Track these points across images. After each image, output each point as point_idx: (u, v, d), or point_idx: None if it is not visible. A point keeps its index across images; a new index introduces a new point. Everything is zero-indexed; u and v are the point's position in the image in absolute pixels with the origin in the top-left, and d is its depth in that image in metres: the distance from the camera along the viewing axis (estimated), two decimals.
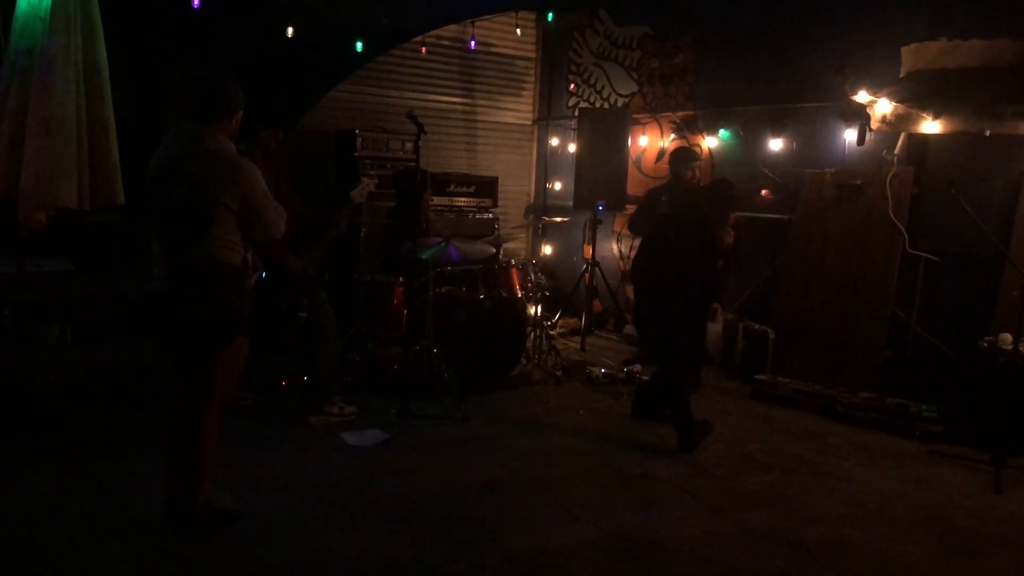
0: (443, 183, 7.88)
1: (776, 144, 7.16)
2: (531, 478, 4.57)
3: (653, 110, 8.26)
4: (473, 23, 8.33)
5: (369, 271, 6.50)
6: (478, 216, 8.03)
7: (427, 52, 8.23)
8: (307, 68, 7.62)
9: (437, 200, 7.71)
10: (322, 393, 5.36)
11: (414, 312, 5.99)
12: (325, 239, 5.09)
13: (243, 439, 4.87)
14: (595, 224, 8.02)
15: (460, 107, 8.81)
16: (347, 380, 5.89)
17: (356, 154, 7.42)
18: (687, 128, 7.96)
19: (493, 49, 8.91)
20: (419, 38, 8.03)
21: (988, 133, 5.30)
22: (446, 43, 8.51)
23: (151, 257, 6.18)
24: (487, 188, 8.19)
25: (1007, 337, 5.27)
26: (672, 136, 8.08)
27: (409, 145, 7.07)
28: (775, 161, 7.18)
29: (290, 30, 7.12)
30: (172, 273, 3.62)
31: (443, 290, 6.26)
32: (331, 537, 3.78)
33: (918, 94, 5.71)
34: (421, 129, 5.42)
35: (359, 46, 7.46)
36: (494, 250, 6.81)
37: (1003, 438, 4.93)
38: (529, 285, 6.78)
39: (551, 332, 7.62)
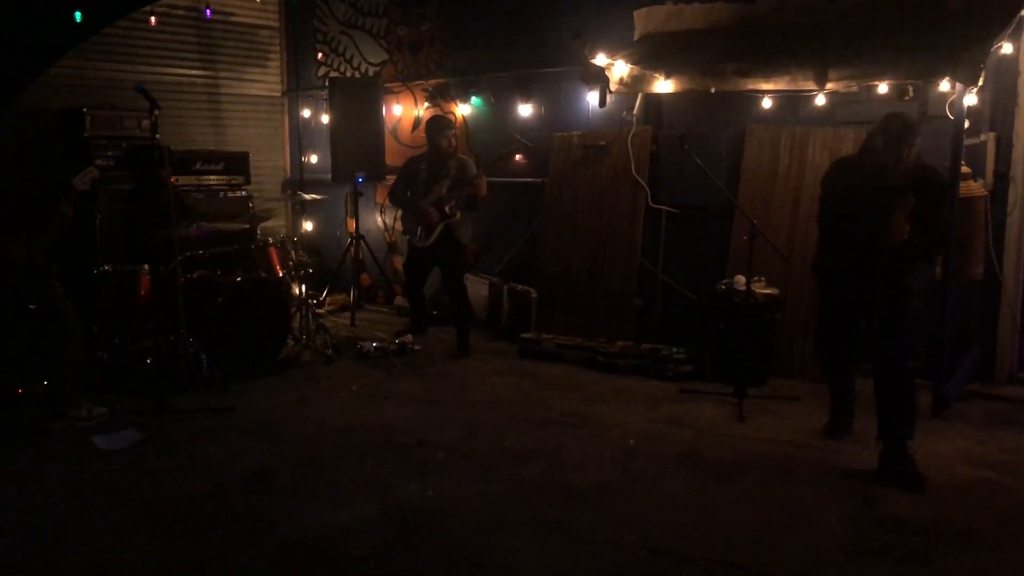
0: (188, 161, 7.41)
1: (526, 110, 7.34)
2: (303, 461, 4.45)
3: (405, 78, 8.20)
4: None
5: (110, 260, 5.99)
6: (230, 194, 7.64)
7: (159, 23, 7.66)
8: (19, 42, 6.85)
9: (184, 179, 7.26)
10: (65, 396, 4.92)
11: (165, 301, 5.61)
12: (48, 231, 4.64)
13: None
14: (356, 196, 7.88)
15: (201, 80, 8.31)
16: (95, 381, 5.43)
17: (86, 135, 6.81)
18: (440, 96, 7.98)
19: (233, 18, 8.46)
20: (147, 8, 7.44)
21: (713, 90, 5.69)
22: (180, 12, 7.98)
23: None
24: (238, 164, 7.80)
25: (741, 279, 5.74)
26: (426, 104, 8.07)
27: (146, 122, 6.57)
28: (526, 126, 7.36)
29: None
30: None
31: (195, 275, 5.91)
32: (89, 548, 3.49)
33: (650, 56, 6.03)
34: (154, 104, 5.05)
35: (78, 16, 6.80)
36: (247, 227, 6.52)
37: (742, 371, 5.39)
38: (290, 263, 6.55)
39: (318, 310, 7.44)
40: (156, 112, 5.13)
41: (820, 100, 5.73)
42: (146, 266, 5.77)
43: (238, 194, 7.68)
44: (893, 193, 3.99)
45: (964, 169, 5.14)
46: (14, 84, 6.82)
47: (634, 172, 6.61)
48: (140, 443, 4.67)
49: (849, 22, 5.59)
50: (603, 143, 6.86)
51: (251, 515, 3.81)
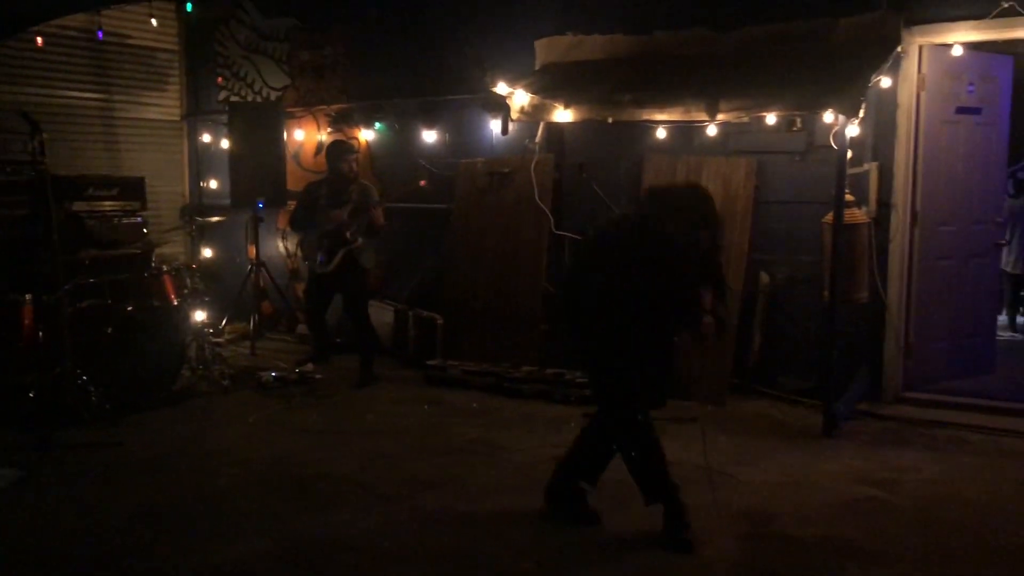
0: (80, 186, 7.13)
1: (430, 136, 7.34)
2: (195, 497, 4.31)
3: (307, 103, 8.12)
4: (99, 12, 7.61)
5: None
6: (125, 220, 7.37)
7: (47, 43, 7.41)
8: None
9: (76, 205, 6.97)
10: None
11: (51, 331, 5.37)
12: None
13: None
14: (256, 222, 7.73)
15: (94, 103, 8.06)
16: None
17: None
18: (343, 121, 7.92)
19: (129, 40, 8.23)
20: (34, 28, 7.19)
21: (611, 120, 5.81)
22: (71, 33, 7.72)
23: None
24: (133, 190, 7.48)
25: None
26: (329, 130, 8.00)
27: (31, 146, 6.34)
28: (431, 152, 7.37)
29: None
30: None
31: (84, 304, 5.67)
32: None
33: (550, 85, 6.12)
34: (36, 127, 4.88)
35: None
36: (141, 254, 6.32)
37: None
38: (186, 291, 6.36)
39: (218, 339, 7.24)
40: (40, 136, 4.96)
41: (712, 130, 5.89)
42: (28, 295, 5.52)
43: (133, 220, 7.42)
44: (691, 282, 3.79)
45: (848, 197, 5.36)
46: None
47: (537, 199, 6.67)
48: (19, 482, 4.45)
49: (740, 55, 5.80)
50: (507, 170, 6.91)
51: (138, 554, 3.67)
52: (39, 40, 7.32)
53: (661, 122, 5.91)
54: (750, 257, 6.05)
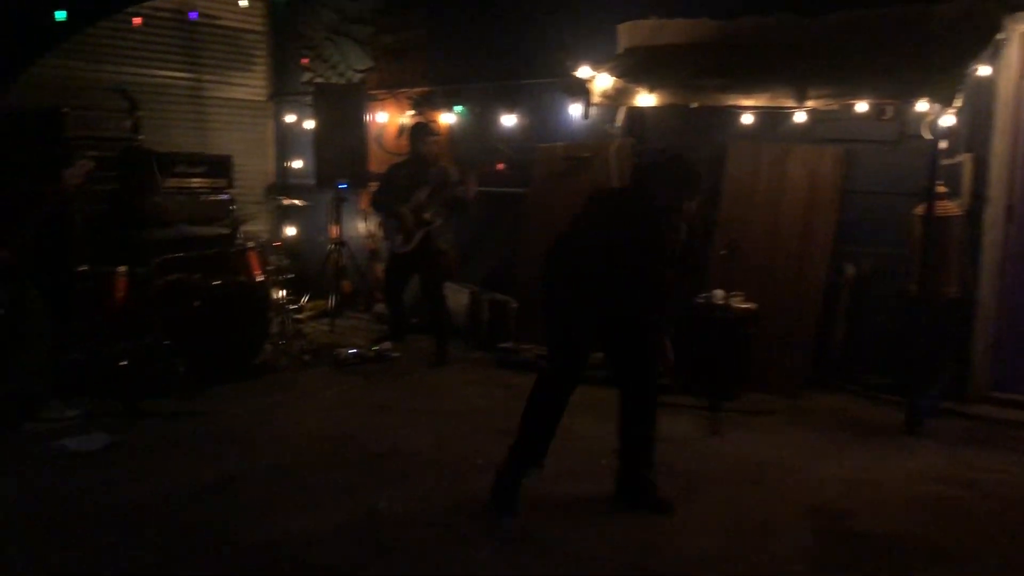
0: (170, 163, 7.37)
1: (510, 120, 7.34)
2: (274, 468, 4.43)
3: (390, 86, 8.20)
4: None
5: (88, 261, 5.96)
6: (212, 198, 7.59)
7: (143, 24, 7.64)
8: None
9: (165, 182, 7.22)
10: (34, 398, 4.88)
11: (141, 303, 5.59)
12: (26, 230, 4.62)
13: None
14: (339, 203, 7.87)
15: (185, 82, 8.29)
16: (68, 381, 5.39)
17: (66, 135, 6.76)
18: (425, 104, 7.97)
19: (218, 21, 8.44)
20: (131, 8, 7.42)
21: (694, 105, 5.72)
22: (164, 14, 7.95)
23: None
24: (220, 167, 7.73)
25: (719, 293, 5.77)
26: (411, 112, 8.07)
27: (128, 123, 6.56)
28: (510, 136, 7.37)
29: None
30: None
31: (173, 278, 5.88)
32: (57, 554, 3.46)
33: (633, 69, 6.06)
34: (134, 104, 5.05)
35: (61, 16, 6.77)
36: (228, 231, 6.51)
37: (719, 385, 5.40)
38: (270, 268, 6.53)
39: (298, 316, 7.41)
40: (137, 113, 5.12)
41: (798, 118, 5.75)
42: (123, 267, 5.74)
43: (220, 197, 7.64)
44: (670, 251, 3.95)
45: (940, 188, 5.18)
46: None
47: (615, 184, 6.62)
48: (110, 446, 4.64)
49: (829, 41, 5.64)
50: (586, 155, 6.87)
51: (218, 522, 3.79)
52: (136, 20, 7.55)
53: (746, 108, 5.78)
54: (835, 248, 5.91)
